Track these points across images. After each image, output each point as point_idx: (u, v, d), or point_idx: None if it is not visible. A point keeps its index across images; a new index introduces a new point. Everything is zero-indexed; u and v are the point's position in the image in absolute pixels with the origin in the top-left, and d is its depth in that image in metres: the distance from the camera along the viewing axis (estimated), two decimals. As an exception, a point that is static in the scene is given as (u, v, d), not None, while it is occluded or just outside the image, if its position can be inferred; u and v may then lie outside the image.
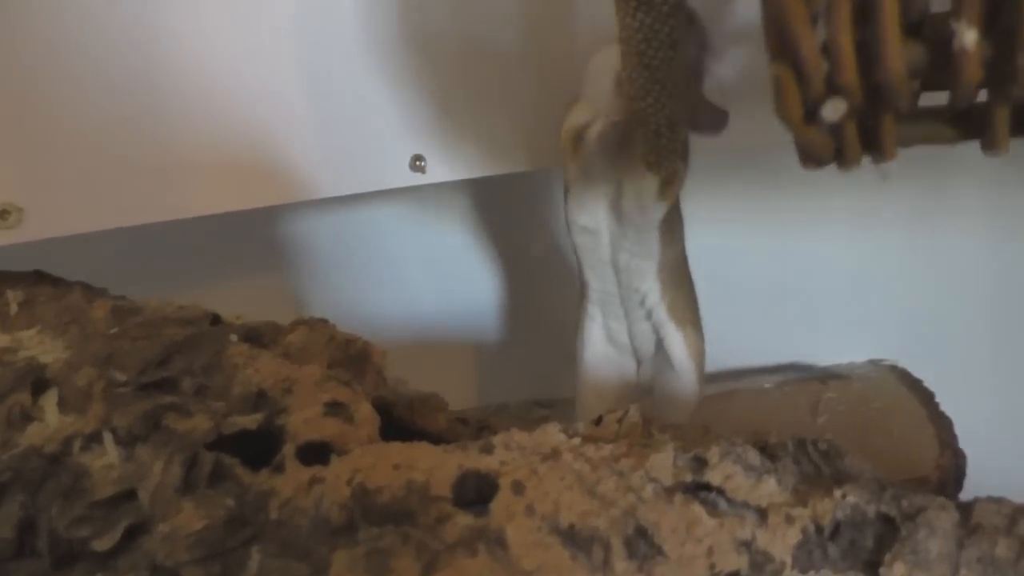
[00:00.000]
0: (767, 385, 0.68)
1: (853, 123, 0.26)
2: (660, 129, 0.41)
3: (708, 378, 0.53)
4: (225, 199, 0.47)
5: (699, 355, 0.50)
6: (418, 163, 0.50)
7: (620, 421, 0.34)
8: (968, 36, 0.23)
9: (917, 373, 0.66)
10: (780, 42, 0.24)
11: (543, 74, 0.50)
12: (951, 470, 0.58)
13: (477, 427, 0.41)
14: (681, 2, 0.39)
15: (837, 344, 0.70)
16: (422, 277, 0.66)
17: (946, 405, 0.63)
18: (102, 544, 0.30)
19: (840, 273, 0.70)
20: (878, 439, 0.61)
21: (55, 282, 0.46)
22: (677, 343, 0.49)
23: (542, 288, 0.68)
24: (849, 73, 0.23)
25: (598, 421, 0.34)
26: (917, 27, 0.24)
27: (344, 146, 0.48)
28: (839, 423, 0.64)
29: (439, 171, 0.50)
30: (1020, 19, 0.22)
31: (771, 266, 0.69)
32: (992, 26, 0.23)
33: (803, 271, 0.69)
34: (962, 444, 0.59)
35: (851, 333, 0.71)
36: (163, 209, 0.46)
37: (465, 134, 0.50)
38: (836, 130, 0.26)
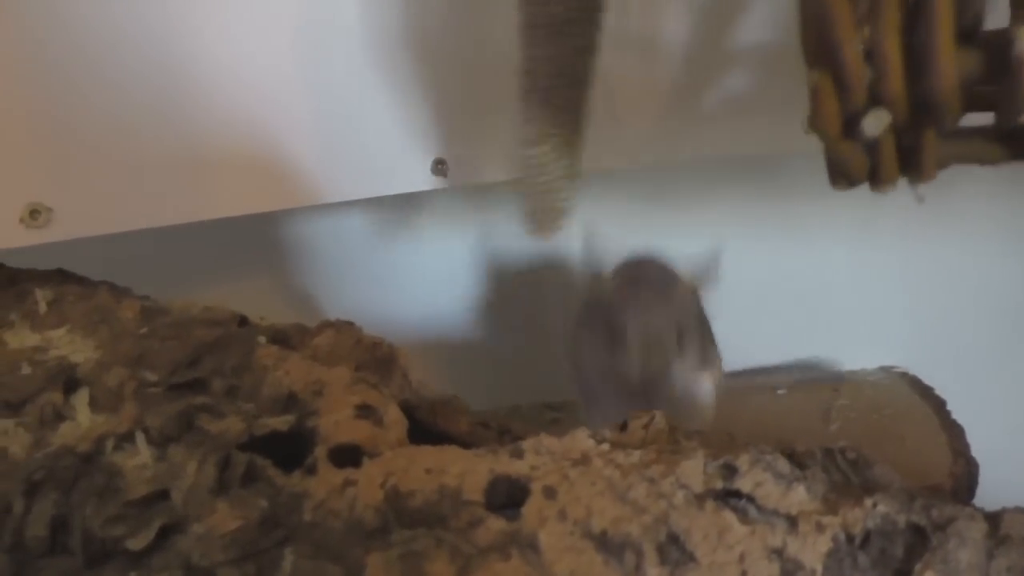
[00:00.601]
0: (780, 391, 0.68)
1: (892, 139, 0.24)
2: (555, 183, 0.36)
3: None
4: (250, 201, 0.47)
5: (718, 380, 0.49)
6: (440, 167, 0.50)
7: (646, 427, 0.34)
8: None
9: (927, 380, 0.67)
10: (819, 46, 0.21)
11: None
12: (964, 478, 0.58)
13: (498, 430, 0.41)
14: (596, 39, 0.34)
15: (848, 350, 0.71)
16: (434, 280, 0.67)
17: (956, 412, 0.63)
18: (136, 543, 0.30)
19: (852, 280, 0.70)
20: (890, 447, 0.62)
21: (80, 281, 0.46)
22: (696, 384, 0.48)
23: (553, 292, 0.69)
24: (895, 81, 0.21)
25: (623, 427, 0.35)
26: (971, 33, 0.22)
27: (368, 150, 0.49)
28: (851, 430, 0.65)
29: (461, 175, 0.51)
30: None
31: (782, 273, 0.69)
32: None
33: (815, 278, 0.70)
34: (972, 452, 0.60)
35: (862, 339, 0.71)
36: (188, 211, 0.46)
37: (486, 140, 0.51)
38: (873, 146, 0.24)
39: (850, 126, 0.23)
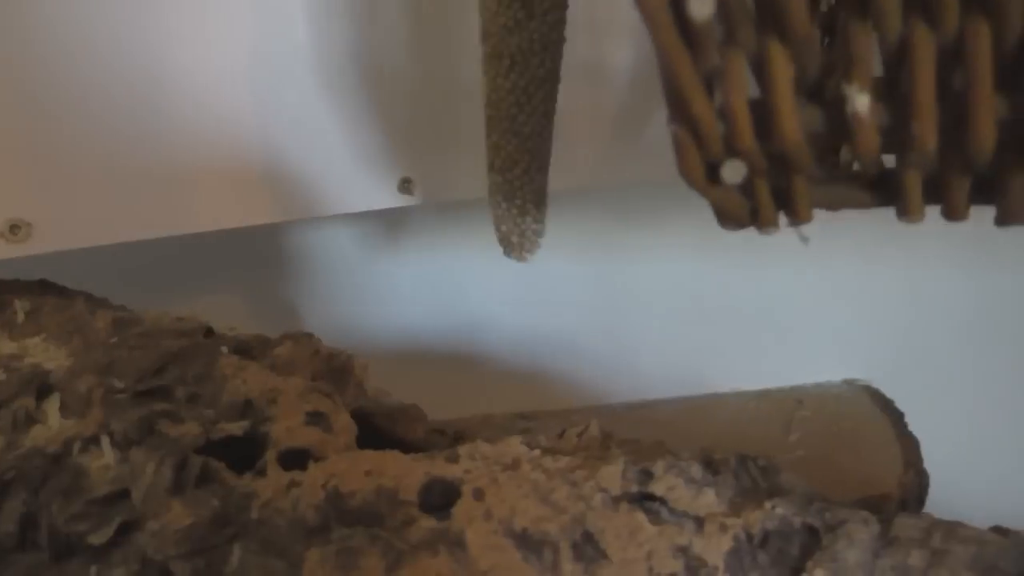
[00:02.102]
0: (748, 402, 0.70)
1: (765, 184, 0.24)
2: (526, 206, 0.37)
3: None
4: (224, 216, 0.50)
5: None
6: (406, 185, 0.53)
7: (580, 435, 0.36)
8: (860, 101, 0.21)
9: (893, 394, 0.69)
10: (674, 103, 0.22)
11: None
12: (913, 488, 0.60)
13: (454, 437, 0.44)
14: (558, 68, 0.35)
15: (814, 365, 0.73)
16: (412, 292, 0.69)
17: (918, 424, 0.65)
18: (97, 538, 0.32)
19: (817, 296, 0.72)
20: (846, 457, 0.64)
21: (60, 291, 0.49)
22: None
23: (526, 305, 0.71)
24: (746, 138, 0.22)
25: (561, 434, 0.37)
26: (817, 90, 0.22)
27: (339, 170, 0.51)
28: (809, 440, 0.67)
29: (426, 193, 0.53)
30: (915, 85, 0.21)
31: (750, 290, 0.71)
32: (891, 91, 0.21)
33: (781, 295, 0.72)
34: (931, 465, 0.62)
35: (827, 355, 0.73)
36: (164, 225, 0.49)
37: (451, 160, 0.53)
38: (747, 191, 0.24)
39: (714, 173, 0.23)
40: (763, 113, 0.22)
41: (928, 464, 0.62)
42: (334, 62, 0.50)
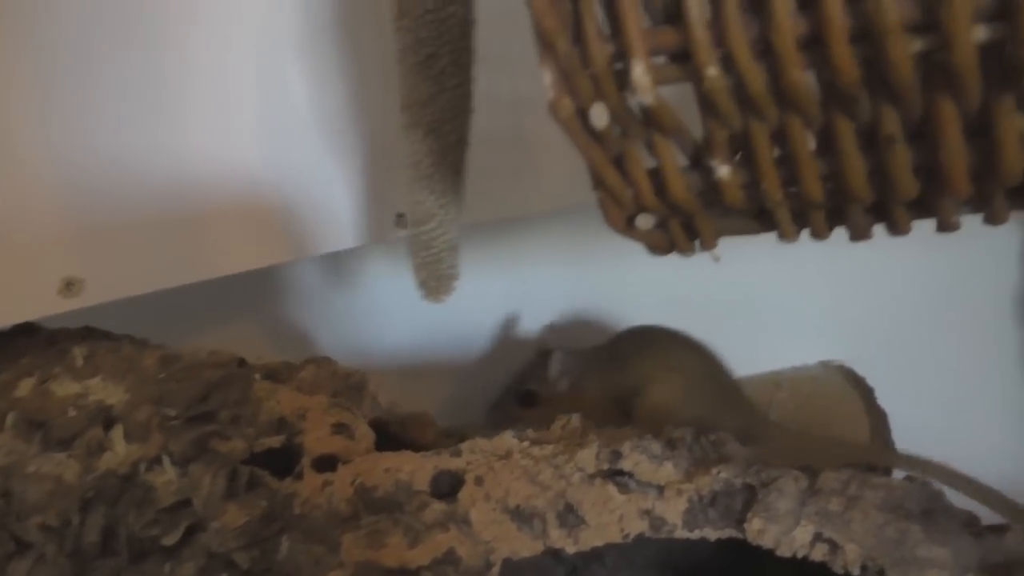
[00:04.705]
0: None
1: (677, 223, 0.32)
2: (442, 255, 0.41)
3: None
4: (242, 260, 0.56)
5: None
6: (401, 219, 0.60)
7: (564, 427, 0.43)
8: (722, 170, 0.28)
9: (866, 373, 0.75)
10: (594, 177, 0.30)
11: (512, 138, 0.59)
12: (879, 456, 0.67)
13: (460, 438, 0.51)
14: (467, 131, 0.39)
15: (792, 350, 0.79)
16: (409, 315, 0.75)
17: (888, 402, 0.71)
18: (169, 540, 0.39)
19: (792, 286, 0.78)
20: (818, 431, 0.70)
21: (105, 335, 0.56)
22: None
23: (516, 314, 0.77)
24: (648, 197, 0.29)
25: (548, 426, 0.44)
26: (696, 160, 0.29)
27: (339, 210, 0.58)
28: (787, 419, 0.73)
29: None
30: (759, 155, 0.28)
31: (728, 285, 0.77)
32: (746, 159, 0.28)
33: (758, 288, 0.78)
34: (901, 436, 0.67)
35: (804, 339, 0.79)
36: (192, 272, 0.55)
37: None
38: (663, 228, 0.32)
39: (631, 222, 0.31)
40: (658, 179, 0.29)
41: (897, 435, 0.68)
42: (332, 117, 0.56)
